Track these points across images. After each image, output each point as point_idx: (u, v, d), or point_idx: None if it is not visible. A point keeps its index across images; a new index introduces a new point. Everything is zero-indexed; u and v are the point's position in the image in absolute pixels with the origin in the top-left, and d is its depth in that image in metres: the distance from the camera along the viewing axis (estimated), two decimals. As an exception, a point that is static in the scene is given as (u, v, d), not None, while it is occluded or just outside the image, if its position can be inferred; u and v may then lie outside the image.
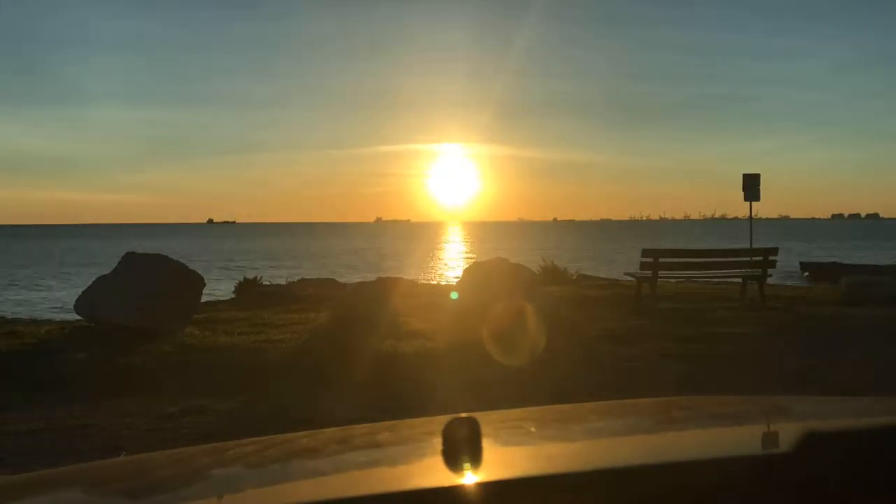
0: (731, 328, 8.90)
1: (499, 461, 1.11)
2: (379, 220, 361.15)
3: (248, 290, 13.58)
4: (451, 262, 41.94)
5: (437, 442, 1.04)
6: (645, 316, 9.98)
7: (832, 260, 31.28)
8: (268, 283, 14.49)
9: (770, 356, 7.43)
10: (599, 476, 0.98)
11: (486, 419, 1.26)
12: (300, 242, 78.85)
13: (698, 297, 12.03)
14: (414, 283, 11.37)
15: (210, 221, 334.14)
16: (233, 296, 13.75)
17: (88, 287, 9.20)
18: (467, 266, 11.65)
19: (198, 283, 9.35)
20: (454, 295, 10.70)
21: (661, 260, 11.11)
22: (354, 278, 17.49)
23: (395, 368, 6.65)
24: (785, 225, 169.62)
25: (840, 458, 0.89)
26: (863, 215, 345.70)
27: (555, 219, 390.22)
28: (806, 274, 25.64)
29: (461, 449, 1.01)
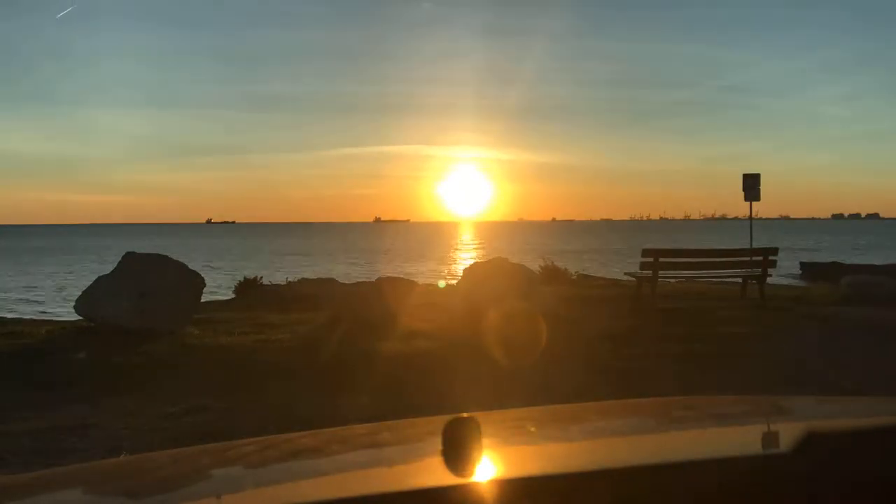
0: (732, 328, 8.89)
1: (499, 461, 1.11)
2: (378, 220, 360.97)
3: (248, 290, 13.58)
4: (451, 262, 41.91)
5: (437, 442, 1.04)
6: (645, 316, 9.98)
7: (832, 260, 31.27)
8: (268, 283, 14.49)
9: (770, 356, 7.43)
10: (599, 476, 0.98)
11: (486, 419, 1.26)
12: (299, 242, 78.80)
13: (698, 296, 12.03)
14: (414, 283, 11.35)
15: (209, 221, 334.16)
16: (233, 296, 13.75)
17: (88, 287, 9.20)
18: (467, 266, 11.64)
19: (198, 283, 9.35)
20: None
21: (661, 260, 11.10)
22: (354, 278, 17.48)
23: (394, 368, 6.65)
24: (785, 225, 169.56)
25: (840, 458, 0.89)
26: (863, 215, 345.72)
27: (554, 219, 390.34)
28: (806, 274, 25.64)
29: (461, 449, 1.01)
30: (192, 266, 9.66)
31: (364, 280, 14.17)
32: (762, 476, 0.94)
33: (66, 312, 13.37)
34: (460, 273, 12.26)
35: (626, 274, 13.56)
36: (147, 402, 5.68)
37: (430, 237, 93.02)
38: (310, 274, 18.40)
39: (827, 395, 1.93)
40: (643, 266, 11.12)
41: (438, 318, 8.90)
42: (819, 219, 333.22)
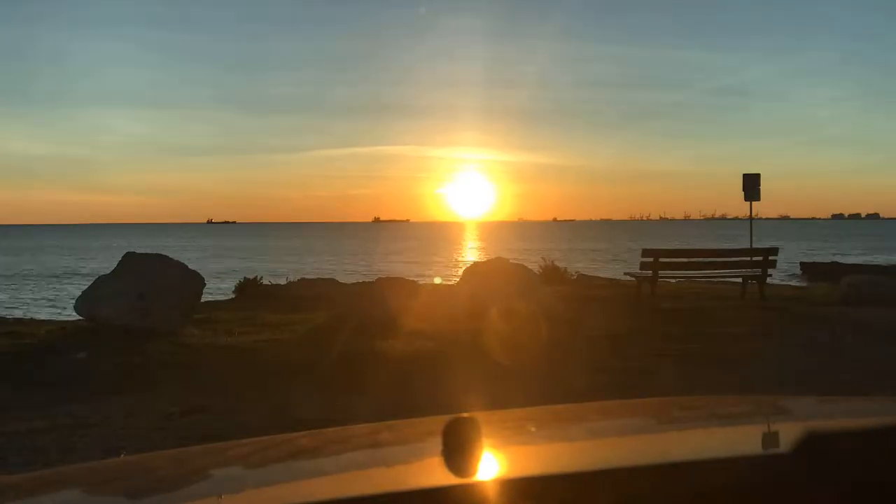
0: (731, 328, 8.89)
1: (499, 461, 1.11)
2: (377, 220, 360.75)
3: (248, 290, 13.57)
4: (451, 262, 41.89)
5: (437, 442, 1.03)
6: (645, 316, 9.98)
7: (832, 260, 31.28)
8: (268, 283, 14.48)
9: (770, 356, 7.43)
10: (599, 476, 0.98)
11: (486, 419, 1.26)
12: (299, 242, 78.77)
13: (698, 297, 12.03)
14: (414, 283, 11.35)
15: (209, 222, 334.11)
16: (233, 296, 13.74)
17: (88, 287, 9.19)
18: (467, 266, 11.64)
19: (198, 283, 9.35)
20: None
21: (661, 260, 11.10)
22: (354, 278, 17.49)
23: (394, 368, 6.65)
24: (785, 225, 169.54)
25: (840, 458, 0.89)
26: (863, 215, 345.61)
27: (554, 219, 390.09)
28: (806, 274, 25.64)
29: (461, 449, 1.01)
30: (191, 266, 9.66)
31: (364, 280, 14.18)
32: (762, 476, 0.94)
33: (66, 313, 13.37)
34: (460, 273, 12.26)
35: (626, 274, 13.57)
36: (147, 402, 5.68)
37: (430, 237, 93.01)
38: (310, 273, 18.39)
39: (827, 394, 1.93)
40: (643, 266, 11.13)
41: (439, 317, 8.90)
42: (819, 219, 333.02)
